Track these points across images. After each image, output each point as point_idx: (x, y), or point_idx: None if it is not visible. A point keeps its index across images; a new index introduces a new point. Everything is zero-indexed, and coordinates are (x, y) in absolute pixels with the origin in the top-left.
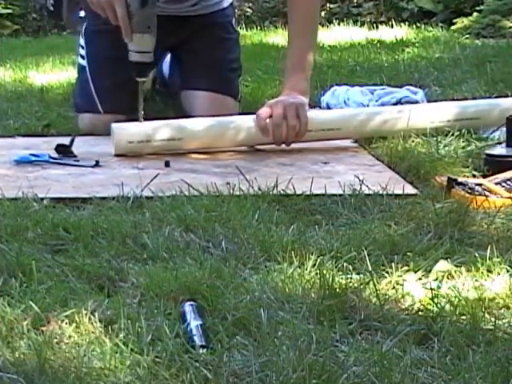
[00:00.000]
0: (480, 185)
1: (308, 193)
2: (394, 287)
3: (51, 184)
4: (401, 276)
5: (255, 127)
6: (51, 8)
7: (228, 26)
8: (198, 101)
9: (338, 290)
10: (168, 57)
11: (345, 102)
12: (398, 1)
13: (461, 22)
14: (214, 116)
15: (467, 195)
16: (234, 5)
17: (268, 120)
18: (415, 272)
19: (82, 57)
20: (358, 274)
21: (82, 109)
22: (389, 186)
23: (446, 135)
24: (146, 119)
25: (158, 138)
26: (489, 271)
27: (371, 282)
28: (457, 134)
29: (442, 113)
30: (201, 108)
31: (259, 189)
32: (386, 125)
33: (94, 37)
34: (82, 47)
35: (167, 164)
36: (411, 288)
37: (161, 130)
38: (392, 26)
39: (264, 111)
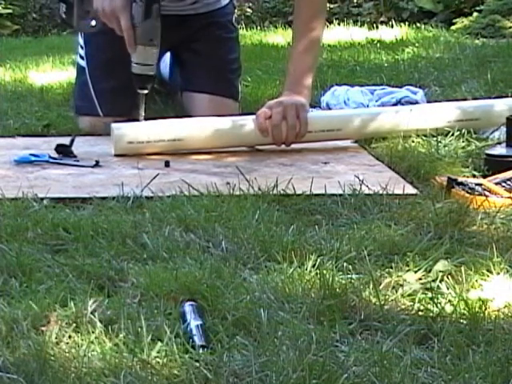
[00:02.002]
0: (480, 185)
1: (308, 193)
2: (393, 287)
3: (51, 184)
4: (401, 276)
5: (255, 128)
6: (63, 16)
7: (228, 25)
8: (200, 103)
9: (338, 290)
10: (167, 57)
11: (345, 102)
12: (398, 1)
13: (461, 22)
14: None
15: (467, 195)
16: (233, 1)
17: (267, 121)
18: (415, 272)
19: (82, 57)
20: (357, 273)
21: (81, 111)
22: (389, 186)
23: (446, 135)
24: (145, 119)
25: (157, 139)
26: (489, 271)
27: (371, 282)
28: (457, 134)
29: (442, 113)
30: (202, 111)
31: (259, 189)
32: (387, 125)
33: (94, 37)
34: (82, 47)
35: (167, 164)
36: (411, 288)
37: (161, 131)
38: (392, 26)
39: (263, 112)
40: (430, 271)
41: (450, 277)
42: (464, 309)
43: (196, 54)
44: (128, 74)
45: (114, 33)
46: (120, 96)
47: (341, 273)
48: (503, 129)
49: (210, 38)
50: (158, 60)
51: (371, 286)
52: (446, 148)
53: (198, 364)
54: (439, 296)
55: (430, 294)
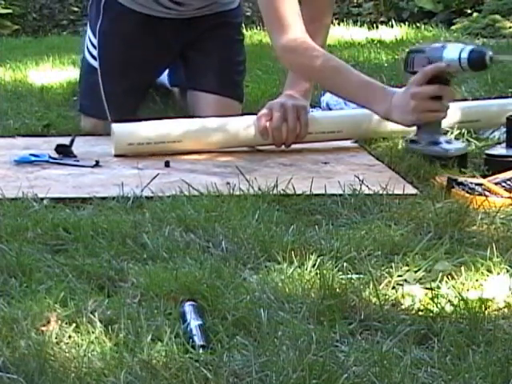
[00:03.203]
0: (480, 185)
1: (308, 193)
2: (393, 287)
3: (51, 184)
4: (401, 276)
5: (255, 130)
6: None
7: (238, 27)
8: (206, 103)
9: (338, 290)
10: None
11: (345, 102)
12: (398, 1)
13: (461, 22)
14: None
15: (467, 195)
16: (241, 6)
17: (268, 123)
18: (415, 272)
19: (94, 57)
20: (357, 273)
21: (87, 111)
22: (389, 186)
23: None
24: (146, 119)
25: (158, 140)
26: (489, 271)
27: (371, 282)
28: (457, 133)
29: None
30: (207, 110)
31: (259, 189)
32: (387, 125)
33: (110, 39)
34: (95, 47)
35: (167, 164)
36: (411, 288)
37: (161, 132)
38: (392, 26)
39: (264, 114)
40: (430, 271)
41: (449, 277)
42: (464, 309)
43: (205, 52)
44: (140, 76)
45: (130, 35)
46: (130, 97)
47: (341, 273)
48: (503, 129)
49: (220, 37)
50: (165, 69)
51: (371, 286)
52: None
53: (197, 364)
54: (439, 296)
55: (429, 294)
